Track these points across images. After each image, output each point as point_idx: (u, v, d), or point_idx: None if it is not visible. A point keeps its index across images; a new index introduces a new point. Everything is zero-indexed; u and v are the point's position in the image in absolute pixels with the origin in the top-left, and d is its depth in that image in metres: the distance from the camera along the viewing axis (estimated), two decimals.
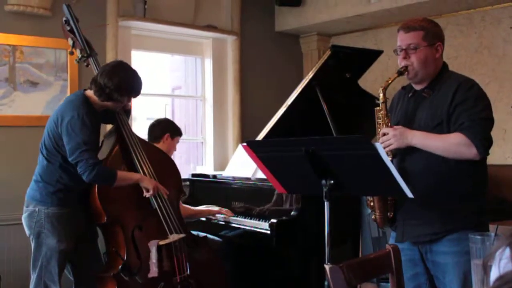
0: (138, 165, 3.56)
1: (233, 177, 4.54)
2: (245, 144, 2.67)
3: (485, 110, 2.61)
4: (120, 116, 3.63)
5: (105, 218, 3.42)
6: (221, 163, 5.67)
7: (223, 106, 5.85)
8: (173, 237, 3.52)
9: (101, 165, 3.36)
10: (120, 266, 3.39)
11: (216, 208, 4.29)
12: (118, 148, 3.58)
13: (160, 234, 3.51)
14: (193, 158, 6.12)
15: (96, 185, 3.42)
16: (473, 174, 2.64)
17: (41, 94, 4.60)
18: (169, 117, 6.50)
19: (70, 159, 3.32)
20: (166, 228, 3.55)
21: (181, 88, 6.77)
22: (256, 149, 2.66)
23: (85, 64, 3.68)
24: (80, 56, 3.66)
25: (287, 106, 4.37)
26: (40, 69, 4.59)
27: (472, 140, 2.52)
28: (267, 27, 6.11)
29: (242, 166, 4.45)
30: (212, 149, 5.80)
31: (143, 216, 3.55)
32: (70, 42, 3.66)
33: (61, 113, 3.39)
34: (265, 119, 4.54)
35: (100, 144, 3.66)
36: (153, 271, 3.41)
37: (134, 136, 3.64)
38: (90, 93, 3.46)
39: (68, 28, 3.64)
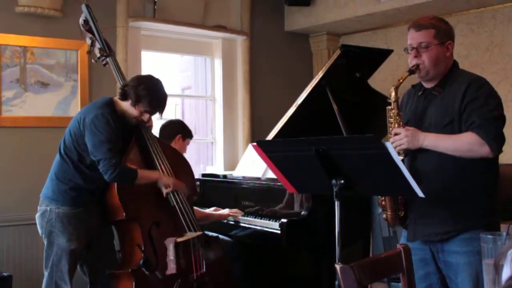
0: (157, 163, 3.57)
1: (243, 177, 4.54)
2: (255, 144, 2.67)
3: (497, 108, 2.60)
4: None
5: (124, 214, 3.43)
6: (231, 163, 5.67)
7: (233, 106, 5.86)
8: (191, 234, 3.54)
9: (122, 165, 3.38)
10: (141, 261, 3.38)
11: (225, 212, 4.29)
12: (136, 145, 3.60)
13: (176, 231, 3.52)
14: (203, 158, 6.13)
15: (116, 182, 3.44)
16: (485, 174, 2.63)
17: (52, 95, 4.62)
18: (179, 117, 6.52)
19: (92, 157, 3.34)
20: (185, 225, 3.56)
21: (191, 88, 6.78)
22: (266, 149, 2.66)
23: (103, 63, 3.69)
24: (99, 55, 3.67)
25: (297, 105, 4.37)
26: (50, 70, 4.61)
27: (484, 139, 2.51)
28: (276, 26, 6.10)
29: (252, 166, 4.45)
30: (222, 149, 5.80)
31: (160, 213, 3.57)
32: (88, 41, 3.68)
33: (85, 112, 3.45)
34: (275, 119, 4.53)
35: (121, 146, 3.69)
36: (171, 268, 3.42)
37: (151, 134, 3.67)
38: (117, 99, 3.51)
39: (87, 27, 3.66)
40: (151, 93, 3.44)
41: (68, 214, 3.42)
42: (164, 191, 3.51)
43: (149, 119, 3.60)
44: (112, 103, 3.49)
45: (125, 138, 3.55)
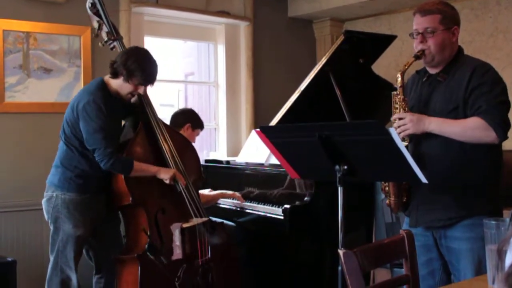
0: (163, 148, 3.58)
1: (247, 163, 4.55)
2: (258, 129, 2.67)
3: (502, 94, 2.59)
4: (145, 99, 3.64)
5: (130, 199, 3.44)
6: (234, 149, 5.67)
7: (236, 92, 5.85)
8: (196, 220, 3.55)
9: (118, 154, 3.38)
10: (146, 245, 3.39)
11: (229, 192, 4.31)
12: (143, 130, 3.61)
13: (182, 217, 3.53)
14: (206, 144, 6.13)
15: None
16: (488, 160, 2.63)
17: (55, 81, 4.61)
18: (182, 103, 6.52)
19: (87, 146, 3.35)
20: (191, 211, 3.57)
21: (194, 74, 6.78)
22: (270, 135, 2.66)
23: (111, 47, 3.69)
24: (106, 39, 3.67)
25: (300, 92, 4.36)
26: (53, 55, 4.60)
27: (491, 124, 2.50)
28: (280, 12, 6.08)
29: (255, 152, 4.45)
30: (225, 135, 5.80)
31: (167, 199, 3.58)
32: (96, 24, 3.68)
33: (78, 98, 3.44)
34: (278, 105, 4.53)
35: (122, 127, 3.70)
36: (177, 253, 3.43)
37: (159, 119, 3.67)
38: (107, 78, 3.49)
39: (94, 10, 3.65)
40: (142, 65, 3.43)
41: (74, 201, 3.43)
42: (166, 182, 3.52)
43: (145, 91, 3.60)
44: (104, 84, 3.47)
45: (122, 116, 3.57)
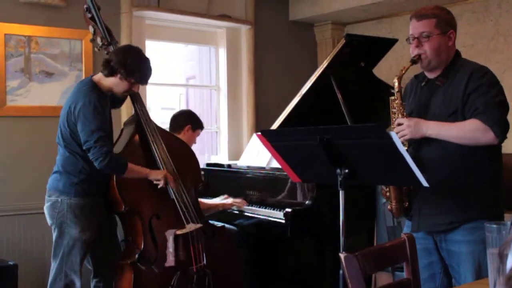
0: (156, 152, 3.57)
1: (248, 167, 4.55)
2: (259, 133, 2.68)
3: (499, 95, 2.59)
4: (138, 104, 3.65)
5: (123, 206, 3.44)
6: (236, 152, 5.67)
7: (238, 96, 5.85)
8: (190, 226, 3.54)
9: (113, 153, 3.37)
10: (136, 255, 3.41)
11: (230, 201, 4.30)
12: (137, 136, 3.61)
13: (178, 223, 3.53)
14: (207, 148, 6.13)
15: (114, 174, 3.44)
16: (489, 163, 2.63)
17: (56, 85, 4.62)
18: (183, 107, 6.52)
19: (83, 146, 3.33)
20: (183, 217, 3.56)
21: (195, 78, 6.78)
22: (271, 138, 2.67)
23: (106, 52, 3.70)
24: (100, 44, 3.67)
25: (302, 95, 4.37)
26: (55, 59, 4.61)
27: (488, 124, 2.50)
28: (281, 16, 6.08)
29: (257, 156, 4.46)
30: (227, 139, 5.81)
31: (161, 205, 3.57)
32: (91, 29, 3.69)
33: (73, 102, 3.42)
34: (280, 109, 4.53)
35: (120, 132, 3.71)
36: (170, 260, 3.43)
37: (151, 124, 3.66)
38: (97, 77, 3.49)
39: (89, 15, 3.66)
40: (140, 64, 3.46)
41: (80, 205, 3.42)
42: (158, 184, 3.51)
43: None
44: (95, 84, 3.47)
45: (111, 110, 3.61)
